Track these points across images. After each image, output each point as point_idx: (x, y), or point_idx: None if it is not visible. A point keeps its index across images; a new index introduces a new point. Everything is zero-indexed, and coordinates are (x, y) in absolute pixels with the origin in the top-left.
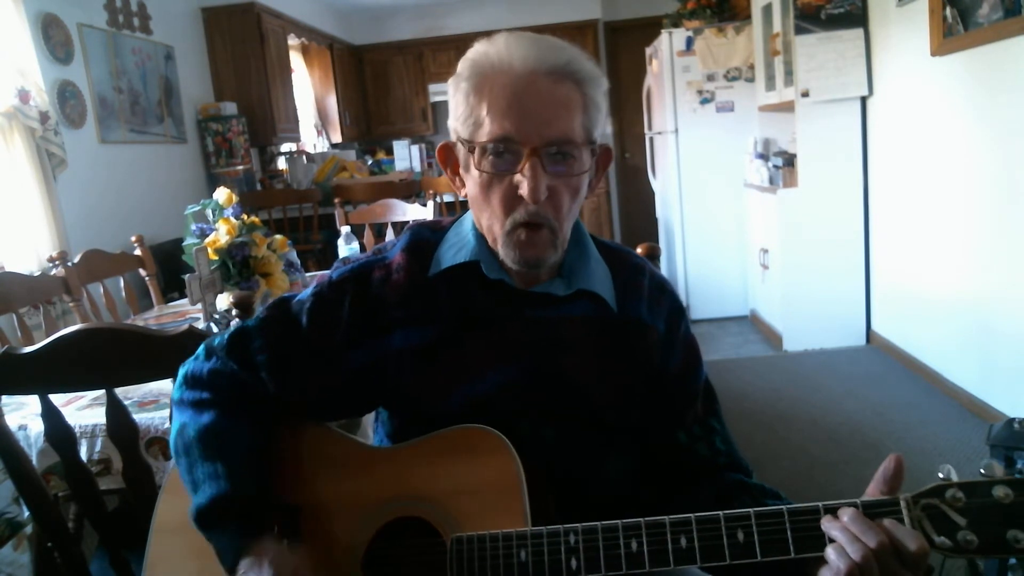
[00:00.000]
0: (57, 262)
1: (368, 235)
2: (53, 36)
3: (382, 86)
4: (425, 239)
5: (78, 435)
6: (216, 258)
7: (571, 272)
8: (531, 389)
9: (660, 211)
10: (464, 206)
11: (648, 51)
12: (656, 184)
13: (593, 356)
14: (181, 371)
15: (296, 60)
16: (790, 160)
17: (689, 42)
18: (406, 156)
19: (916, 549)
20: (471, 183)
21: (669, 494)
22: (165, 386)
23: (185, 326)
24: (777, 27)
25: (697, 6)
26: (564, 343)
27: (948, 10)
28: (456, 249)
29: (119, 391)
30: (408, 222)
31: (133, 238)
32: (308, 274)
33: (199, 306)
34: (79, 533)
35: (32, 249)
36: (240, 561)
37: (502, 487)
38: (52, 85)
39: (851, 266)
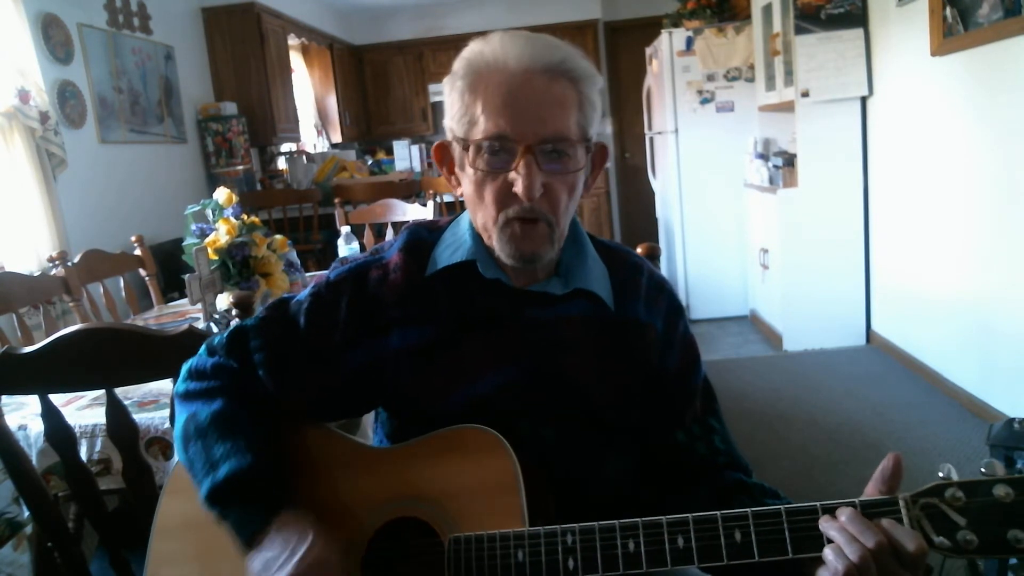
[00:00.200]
0: (57, 262)
1: (368, 235)
2: (53, 36)
3: (382, 86)
4: (422, 239)
5: (78, 435)
6: (216, 258)
7: (568, 271)
8: (530, 389)
9: (660, 211)
10: (463, 206)
11: (648, 51)
12: (656, 184)
13: (592, 356)
14: (184, 367)
15: (296, 60)
16: (790, 160)
17: (689, 42)
18: (406, 156)
19: (914, 549)
20: (466, 181)
21: (669, 494)
22: (165, 386)
23: (185, 326)
24: (777, 27)
25: (697, 6)
26: (563, 343)
27: (948, 10)
28: (452, 249)
29: (119, 391)
30: (408, 222)
31: (133, 238)
32: (308, 274)
33: (199, 306)
34: (79, 533)
35: (32, 249)
36: (260, 536)
37: (500, 487)
38: (52, 85)
39: (851, 266)
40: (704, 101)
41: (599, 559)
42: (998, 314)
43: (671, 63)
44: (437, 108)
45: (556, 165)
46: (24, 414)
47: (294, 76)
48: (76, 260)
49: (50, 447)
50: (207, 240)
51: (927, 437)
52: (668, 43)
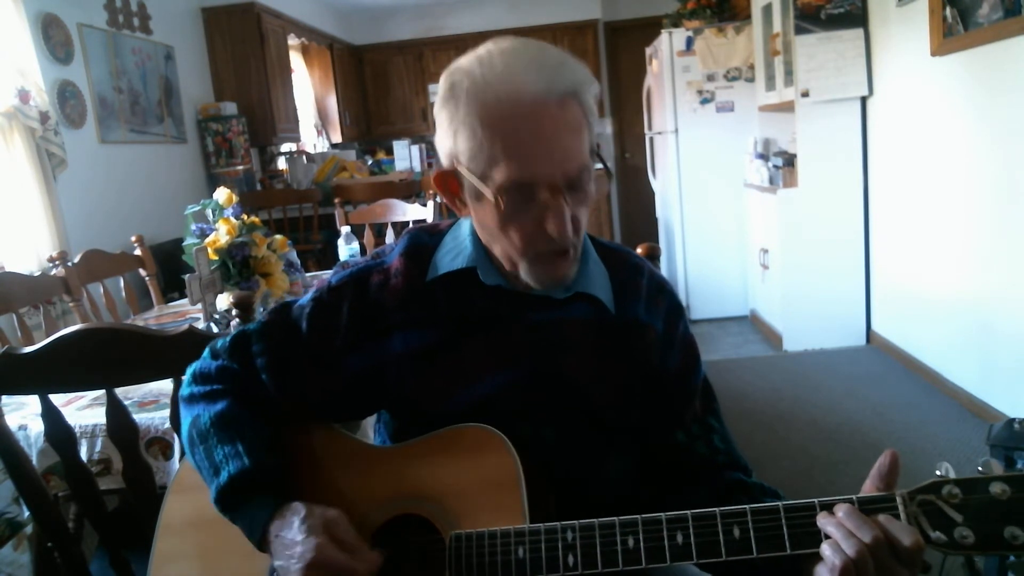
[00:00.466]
0: (57, 262)
1: (368, 235)
2: (53, 36)
3: (382, 86)
4: (423, 243)
5: (78, 435)
6: (216, 258)
7: None
8: (531, 390)
9: (660, 211)
10: None
11: (648, 51)
12: (656, 184)
13: (592, 356)
14: (188, 371)
15: (296, 60)
16: (790, 160)
17: (689, 42)
18: (406, 156)
19: (911, 544)
20: (482, 213)
21: (669, 494)
22: (165, 386)
23: (185, 326)
24: (777, 27)
25: (697, 6)
26: (563, 344)
27: (948, 10)
28: (453, 255)
29: (119, 391)
30: (408, 222)
31: (133, 238)
32: (308, 274)
33: (199, 306)
34: (79, 533)
35: (32, 249)
36: (269, 527)
37: (501, 484)
38: (52, 85)
39: (851, 266)
40: (704, 101)
41: (599, 555)
42: (998, 314)
43: (671, 63)
44: None
45: (579, 193)
46: (24, 414)
47: (294, 76)
48: (76, 260)
49: (50, 447)
50: (207, 240)
51: (927, 437)
52: (668, 43)
